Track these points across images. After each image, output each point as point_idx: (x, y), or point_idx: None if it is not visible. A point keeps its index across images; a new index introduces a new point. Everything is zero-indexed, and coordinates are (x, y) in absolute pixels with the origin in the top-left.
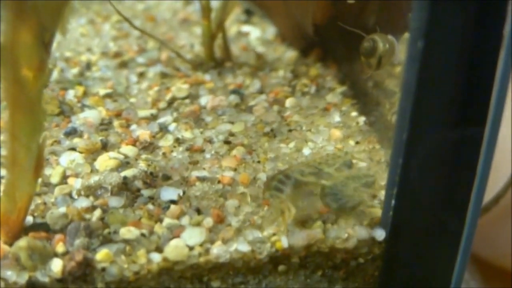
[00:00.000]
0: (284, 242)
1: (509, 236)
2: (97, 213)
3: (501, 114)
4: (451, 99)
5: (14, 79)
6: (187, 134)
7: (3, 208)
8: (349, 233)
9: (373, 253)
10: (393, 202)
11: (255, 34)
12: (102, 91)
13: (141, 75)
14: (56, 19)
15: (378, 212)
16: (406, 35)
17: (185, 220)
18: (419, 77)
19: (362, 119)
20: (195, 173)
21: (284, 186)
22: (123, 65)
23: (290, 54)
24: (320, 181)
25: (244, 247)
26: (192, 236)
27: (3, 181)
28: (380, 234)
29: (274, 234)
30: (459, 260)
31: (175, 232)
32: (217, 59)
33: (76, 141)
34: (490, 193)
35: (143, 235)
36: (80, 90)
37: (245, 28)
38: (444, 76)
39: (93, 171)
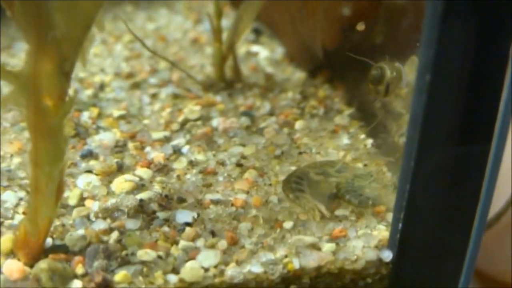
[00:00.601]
0: (295, 264)
1: (510, 252)
2: (114, 235)
3: (504, 142)
4: (456, 127)
5: (36, 108)
6: (200, 157)
7: (25, 231)
8: (357, 254)
9: (380, 274)
10: (400, 225)
11: (264, 54)
12: (116, 113)
13: (154, 96)
14: (76, 50)
15: (385, 234)
16: (413, 58)
17: (200, 242)
18: (426, 108)
19: (369, 141)
20: (209, 196)
21: (302, 186)
22: (136, 86)
23: (299, 74)
24: (329, 179)
25: (257, 269)
26: (207, 258)
27: (23, 203)
28: (387, 256)
29: (286, 256)
30: (462, 277)
31: (190, 254)
32: (227, 80)
33: (92, 163)
34: (491, 211)
35: (159, 257)
36: (94, 111)
37: (254, 48)
38: (450, 106)
39: (110, 193)
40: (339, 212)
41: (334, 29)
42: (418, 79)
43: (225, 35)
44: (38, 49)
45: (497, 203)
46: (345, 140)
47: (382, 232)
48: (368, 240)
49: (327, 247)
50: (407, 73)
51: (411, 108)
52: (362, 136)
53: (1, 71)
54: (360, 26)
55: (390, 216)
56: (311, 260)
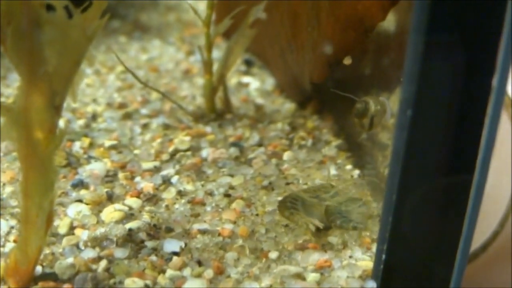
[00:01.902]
0: None
1: (497, 282)
2: (103, 263)
3: (486, 173)
4: (438, 161)
5: (27, 141)
6: (189, 187)
7: (15, 259)
8: (342, 285)
9: None
10: (383, 256)
11: (254, 85)
12: (107, 143)
13: (145, 126)
14: (67, 84)
15: (369, 264)
16: (399, 89)
17: (186, 272)
18: (407, 144)
19: (356, 172)
20: (197, 226)
21: (296, 205)
22: (128, 116)
23: (288, 105)
24: (322, 203)
25: None
26: (193, 287)
27: (15, 232)
28: (371, 286)
29: (271, 286)
30: None
31: (177, 283)
32: (217, 111)
33: (83, 193)
34: (478, 241)
35: (147, 285)
36: (86, 141)
37: (245, 79)
38: (432, 140)
39: (99, 222)
40: (325, 240)
41: (321, 63)
42: (400, 114)
43: (215, 66)
44: (30, 84)
45: (484, 233)
46: (332, 171)
47: (366, 262)
48: (352, 271)
49: (312, 277)
50: (394, 103)
51: (393, 143)
52: (349, 166)
53: None
54: (347, 60)
55: (374, 247)
56: None
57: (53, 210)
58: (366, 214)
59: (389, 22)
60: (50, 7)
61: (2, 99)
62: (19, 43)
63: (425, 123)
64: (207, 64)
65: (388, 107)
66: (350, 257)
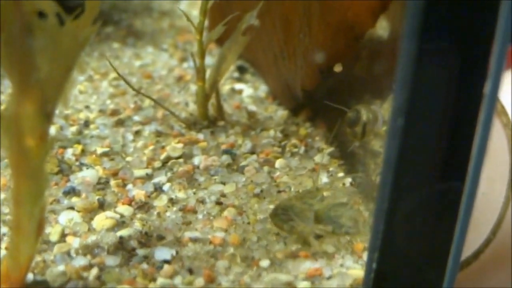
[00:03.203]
0: None
1: (493, 285)
2: (94, 271)
3: (478, 181)
4: (430, 169)
5: (18, 149)
6: (181, 195)
7: (6, 267)
8: None
9: None
10: (374, 265)
11: (247, 92)
12: (99, 150)
13: (137, 133)
14: (58, 91)
15: (360, 273)
16: (391, 96)
17: (177, 280)
18: (399, 153)
19: (348, 180)
20: (188, 234)
21: (290, 216)
22: (120, 123)
23: (281, 113)
24: (311, 208)
25: None
26: None
27: (6, 239)
28: None
29: None
30: None
31: None
32: (210, 118)
33: (74, 200)
34: (470, 249)
35: None
36: (78, 148)
37: (238, 85)
38: (423, 148)
39: (90, 230)
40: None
41: (312, 70)
42: (391, 123)
43: (208, 73)
44: (21, 91)
45: (476, 241)
46: (324, 178)
47: (357, 271)
48: (343, 279)
49: (303, 285)
50: (387, 110)
51: (384, 151)
52: (341, 174)
53: None
54: (338, 68)
55: (366, 255)
56: None
57: (44, 217)
58: (355, 218)
59: (379, 29)
60: (42, 14)
61: None
62: (11, 50)
63: (417, 131)
64: (200, 71)
65: (380, 115)
66: (341, 265)
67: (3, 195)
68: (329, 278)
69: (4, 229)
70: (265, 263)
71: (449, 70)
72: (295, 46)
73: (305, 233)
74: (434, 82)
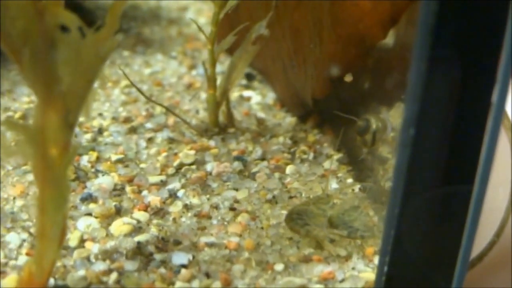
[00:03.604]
0: None
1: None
2: (114, 276)
3: (484, 192)
4: (439, 176)
5: (42, 158)
6: (195, 201)
7: (29, 272)
8: None
9: None
10: (385, 268)
11: (256, 99)
12: (114, 157)
13: (150, 140)
14: (80, 103)
15: (371, 276)
16: (398, 104)
17: (195, 284)
18: (410, 162)
19: (357, 186)
20: (204, 239)
21: (305, 220)
22: (133, 130)
23: (289, 119)
24: (325, 213)
25: None
26: None
27: (26, 245)
28: None
29: None
30: None
31: None
32: (221, 125)
33: (92, 206)
34: (475, 251)
35: None
36: (93, 155)
37: (247, 93)
38: (434, 157)
39: (108, 235)
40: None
41: (323, 79)
42: (402, 133)
43: (218, 81)
44: (45, 102)
45: (480, 243)
46: (333, 184)
47: (368, 274)
48: (355, 282)
49: None
50: (394, 118)
51: (395, 160)
52: (350, 180)
53: (12, 124)
54: (348, 78)
55: (377, 259)
56: None
57: (66, 224)
58: (369, 222)
59: (388, 38)
60: (64, 28)
61: (9, 113)
62: (36, 63)
63: (427, 141)
64: (211, 79)
65: (389, 123)
66: (353, 268)
67: (21, 202)
68: (342, 281)
69: (24, 235)
70: (279, 267)
71: (457, 80)
72: (305, 56)
73: (321, 237)
74: (444, 92)
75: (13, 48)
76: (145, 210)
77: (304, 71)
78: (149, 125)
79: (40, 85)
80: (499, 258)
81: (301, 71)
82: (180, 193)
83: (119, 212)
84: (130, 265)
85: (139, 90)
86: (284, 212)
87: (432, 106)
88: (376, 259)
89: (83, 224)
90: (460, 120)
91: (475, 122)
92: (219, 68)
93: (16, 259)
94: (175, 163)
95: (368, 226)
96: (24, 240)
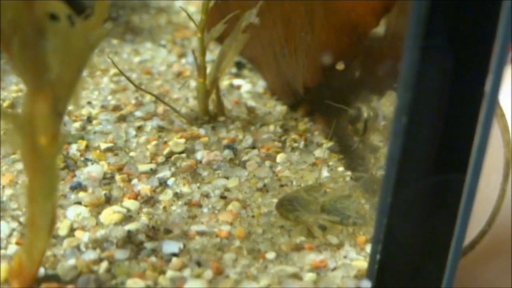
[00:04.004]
0: None
1: (484, 279)
2: (104, 265)
3: (477, 180)
4: (432, 165)
5: (31, 147)
6: (185, 189)
7: (19, 261)
8: (338, 284)
9: None
10: (378, 256)
11: (246, 87)
12: (103, 145)
13: (139, 128)
14: (70, 91)
15: (363, 264)
16: (391, 92)
17: (186, 272)
18: (402, 151)
19: (348, 174)
20: (194, 227)
21: (296, 207)
22: (122, 118)
23: (280, 108)
24: (317, 200)
25: None
26: (194, 287)
27: (16, 234)
28: (366, 285)
29: (269, 286)
30: None
31: (177, 283)
32: (211, 114)
33: (81, 195)
34: (467, 239)
35: (148, 286)
36: (82, 144)
37: (237, 81)
38: (426, 146)
39: (98, 224)
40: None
41: (314, 68)
42: (395, 121)
43: (208, 69)
44: (34, 91)
45: (472, 232)
46: (324, 173)
47: (360, 262)
48: (347, 270)
49: (308, 277)
50: (386, 106)
51: (388, 149)
52: (341, 169)
53: (2, 113)
54: (340, 66)
55: (368, 247)
56: None
57: (55, 213)
58: (361, 209)
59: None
60: (53, 17)
61: None
62: (25, 52)
63: (420, 130)
64: (201, 68)
65: (380, 111)
66: (345, 257)
67: (10, 191)
68: (334, 269)
69: (14, 225)
70: (271, 255)
71: (450, 69)
72: (296, 44)
73: (310, 222)
74: (437, 81)
75: (2, 37)
76: (135, 199)
77: (295, 59)
78: (138, 113)
79: (29, 74)
80: (491, 247)
81: (293, 60)
82: (170, 182)
83: (109, 200)
84: (120, 254)
85: (128, 78)
86: (275, 200)
87: (425, 95)
88: (367, 248)
89: (73, 213)
90: (453, 109)
91: (468, 111)
92: (209, 56)
93: (5, 248)
94: (165, 152)
95: (361, 214)
96: (13, 230)
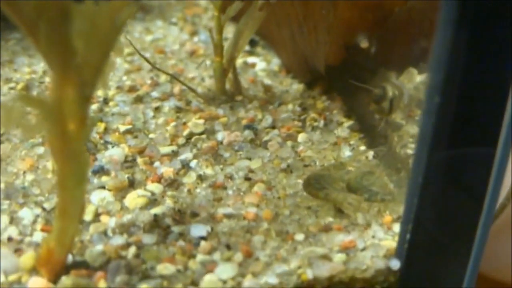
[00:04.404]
0: (309, 274)
1: (504, 252)
2: (132, 250)
3: (507, 161)
4: (462, 145)
5: (60, 133)
6: (208, 171)
7: (47, 248)
8: (367, 264)
9: (388, 281)
10: (408, 236)
11: (260, 65)
12: (122, 127)
13: (157, 109)
14: (97, 75)
15: (392, 243)
16: (410, 69)
17: (216, 256)
18: (434, 129)
19: (371, 153)
20: (221, 210)
21: (323, 184)
22: (139, 99)
23: (296, 86)
24: (343, 178)
25: (273, 280)
26: (225, 271)
27: (40, 220)
28: (395, 264)
29: (299, 267)
30: (466, 281)
31: (208, 267)
32: (228, 93)
33: (104, 179)
34: None
35: (178, 270)
36: (101, 126)
37: (251, 59)
38: (457, 125)
39: (123, 208)
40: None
41: (337, 46)
42: (427, 101)
43: (225, 50)
44: (61, 76)
45: None
46: (347, 152)
47: (389, 242)
48: (376, 250)
49: (338, 257)
50: (404, 84)
51: (419, 127)
52: (363, 147)
53: (27, 99)
54: (364, 44)
55: (395, 227)
56: (324, 270)
57: (84, 200)
58: (386, 186)
59: None
60: None
61: (11, 84)
62: (51, 37)
63: (451, 108)
64: (218, 47)
65: (405, 90)
66: (373, 237)
67: (32, 176)
68: (363, 249)
69: (37, 211)
70: (299, 236)
71: (481, 50)
72: (316, 22)
73: (340, 199)
74: (468, 61)
75: (27, 22)
76: (159, 182)
77: (315, 37)
78: (155, 94)
79: (56, 58)
80: (510, 220)
81: (312, 37)
82: (193, 164)
83: (132, 184)
84: (148, 239)
85: (146, 58)
86: (300, 181)
87: (457, 74)
88: (394, 227)
89: (97, 198)
90: (483, 88)
91: (498, 90)
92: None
93: (31, 235)
94: (185, 133)
95: (387, 190)
96: (37, 216)
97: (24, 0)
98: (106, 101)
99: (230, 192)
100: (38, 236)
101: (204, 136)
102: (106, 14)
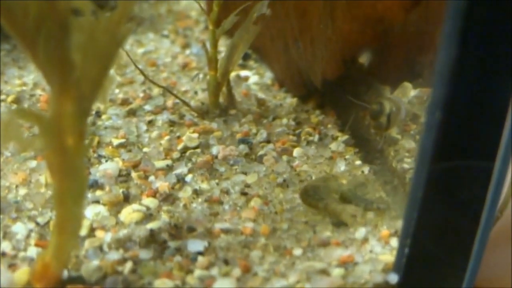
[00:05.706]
0: None
1: (494, 264)
2: (129, 265)
3: (505, 176)
4: (463, 160)
5: (59, 148)
6: (204, 185)
7: (42, 263)
8: (365, 278)
9: None
10: (406, 250)
11: (253, 79)
12: (115, 141)
13: (150, 123)
14: (96, 90)
15: (389, 258)
16: (405, 84)
17: (214, 271)
18: (435, 144)
19: (366, 168)
20: (218, 225)
21: (321, 195)
22: (132, 113)
23: (290, 100)
24: (339, 189)
25: None
26: (223, 286)
27: (34, 235)
28: (393, 278)
29: (298, 282)
30: None
31: (206, 282)
32: (221, 107)
33: (99, 193)
34: None
35: (176, 286)
36: (94, 140)
37: (243, 72)
38: (458, 141)
39: (118, 223)
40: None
41: (335, 60)
42: (428, 116)
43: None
44: (60, 91)
45: None
46: (342, 167)
47: (387, 256)
48: (374, 264)
49: (337, 272)
50: (401, 99)
51: (420, 142)
52: (358, 162)
53: (25, 114)
54: (363, 59)
55: (393, 241)
56: (322, 285)
57: (83, 216)
58: (380, 195)
59: None
60: (77, 12)
61: (2, 97)
62: (49, 51)
63: (452, 124)
64: (212, 61)
65: (402, 105)
66: (371, 251)
67: (24, 190)
68: (361, 264)
69: (31, 225)
70: (297, 251)
71: (483, 67)
72: (313, 36)
73: (339, 210)
74: (471, 77)
75: (25, 36)
76: (154, 196)
77: (311, 51)
78: (147, 107)
79: (54, 72)
80: (502, 234)
81: (308, 52)
82: (188, 178)
83: (127, 199)
84: (145, 254)
85: (141, 71)
86: (297, 196)
87: (460, 90)
88: (392, 241)
89: (92, 212)
90: (486, 105)
91: (499, 107)
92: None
93: (25, 250)
94: (179, 147)
95: (382, 199)
96: (31, 230)
97: (22, 13)
98: (98, 114)
99: (226, 207)
100: (32, 251)
101: (198, 150)
102: (105, 27)
